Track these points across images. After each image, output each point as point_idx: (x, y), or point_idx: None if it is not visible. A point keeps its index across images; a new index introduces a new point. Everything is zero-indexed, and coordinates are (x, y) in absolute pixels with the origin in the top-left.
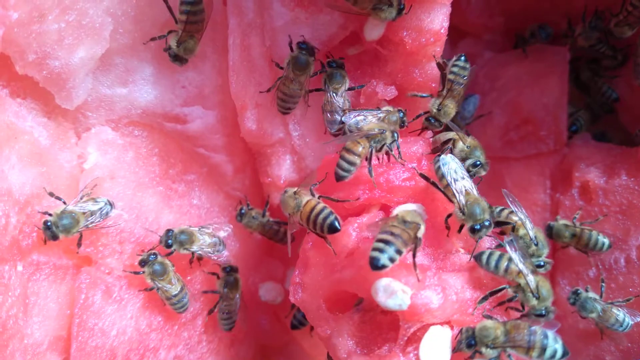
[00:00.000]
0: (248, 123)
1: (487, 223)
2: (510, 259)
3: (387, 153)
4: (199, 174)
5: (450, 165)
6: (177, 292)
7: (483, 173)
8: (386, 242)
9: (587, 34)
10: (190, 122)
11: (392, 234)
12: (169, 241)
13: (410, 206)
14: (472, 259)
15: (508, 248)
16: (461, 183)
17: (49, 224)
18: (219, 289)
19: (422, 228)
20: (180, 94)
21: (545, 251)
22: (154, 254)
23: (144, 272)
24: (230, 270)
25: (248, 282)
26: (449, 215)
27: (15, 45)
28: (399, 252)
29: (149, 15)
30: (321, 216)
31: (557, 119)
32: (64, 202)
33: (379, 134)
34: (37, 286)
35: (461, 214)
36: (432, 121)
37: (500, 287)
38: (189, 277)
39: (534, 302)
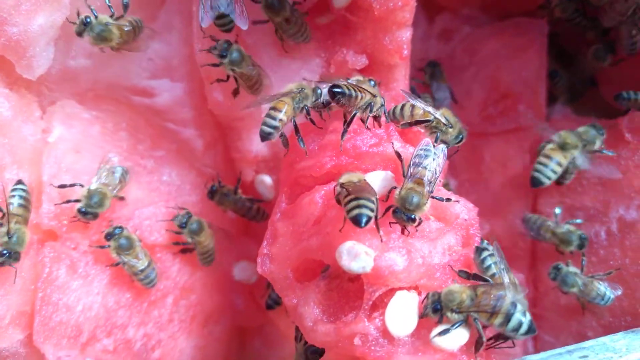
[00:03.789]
0: (215, 94)
1: (413, 216)
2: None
3: (375, 118)
4: (168, 150)
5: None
6: (144, 267)
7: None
8: (358, 198)
9: (563, 4)
10: (158, 96)
11: (357, 190)
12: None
13: (379, 174)
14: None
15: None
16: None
17: None
18: (187, 240)
19: (367, 179)
20: (147, 67)
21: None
22: (120, 227)
23: (109, 246)
24: (187, 219)
25: (222, 261)
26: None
27: None
28: (373, 202)
29: None
30: None
31: (536, 92)
32: None
33: (373, 95)
34: None
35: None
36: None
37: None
38: (158, 255)
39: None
